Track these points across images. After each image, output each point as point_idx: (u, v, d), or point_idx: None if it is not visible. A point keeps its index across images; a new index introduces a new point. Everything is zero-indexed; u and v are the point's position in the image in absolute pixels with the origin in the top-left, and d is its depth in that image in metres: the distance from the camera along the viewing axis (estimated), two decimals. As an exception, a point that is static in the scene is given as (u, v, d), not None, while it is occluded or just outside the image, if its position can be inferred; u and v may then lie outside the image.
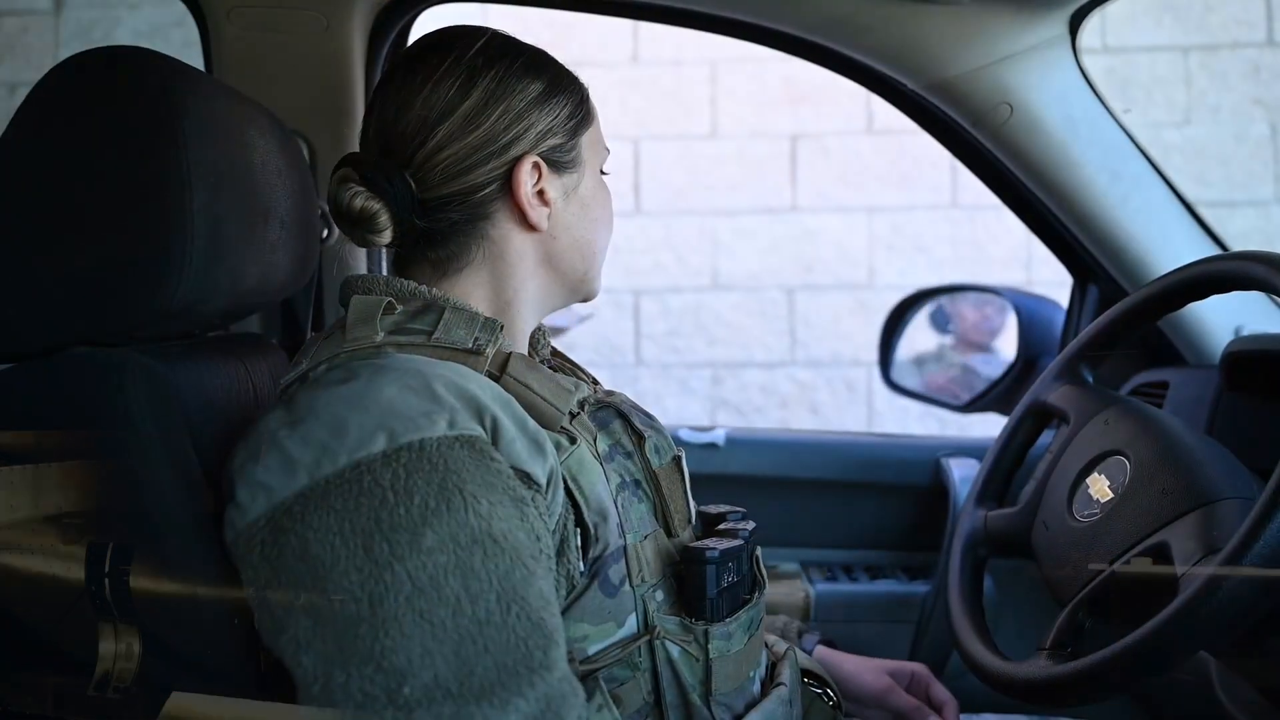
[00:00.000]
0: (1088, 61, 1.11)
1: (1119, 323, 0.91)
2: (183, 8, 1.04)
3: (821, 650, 0.91)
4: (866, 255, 2.90)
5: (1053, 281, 2.13)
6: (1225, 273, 0.81)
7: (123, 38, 2.74)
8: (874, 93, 1.17)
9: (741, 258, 2.89)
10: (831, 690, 0.85)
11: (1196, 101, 2.79)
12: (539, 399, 0.67)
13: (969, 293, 1.58)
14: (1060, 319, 1.35)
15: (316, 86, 1.06)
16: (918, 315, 1.53)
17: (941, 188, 2.84)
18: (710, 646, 0.69)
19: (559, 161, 0.73)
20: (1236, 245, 1.09)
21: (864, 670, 0.89)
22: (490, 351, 0.67)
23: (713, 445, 1.36)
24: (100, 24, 2.80)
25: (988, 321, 1.55)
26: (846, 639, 1.25)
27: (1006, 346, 1.46)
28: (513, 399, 0.65)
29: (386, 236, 0.69)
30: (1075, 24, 1.08)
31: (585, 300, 0.79)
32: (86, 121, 0.63)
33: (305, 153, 1.09)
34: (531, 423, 0.64)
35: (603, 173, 0.78)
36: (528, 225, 0.72)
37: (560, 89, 0.73)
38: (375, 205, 0.68)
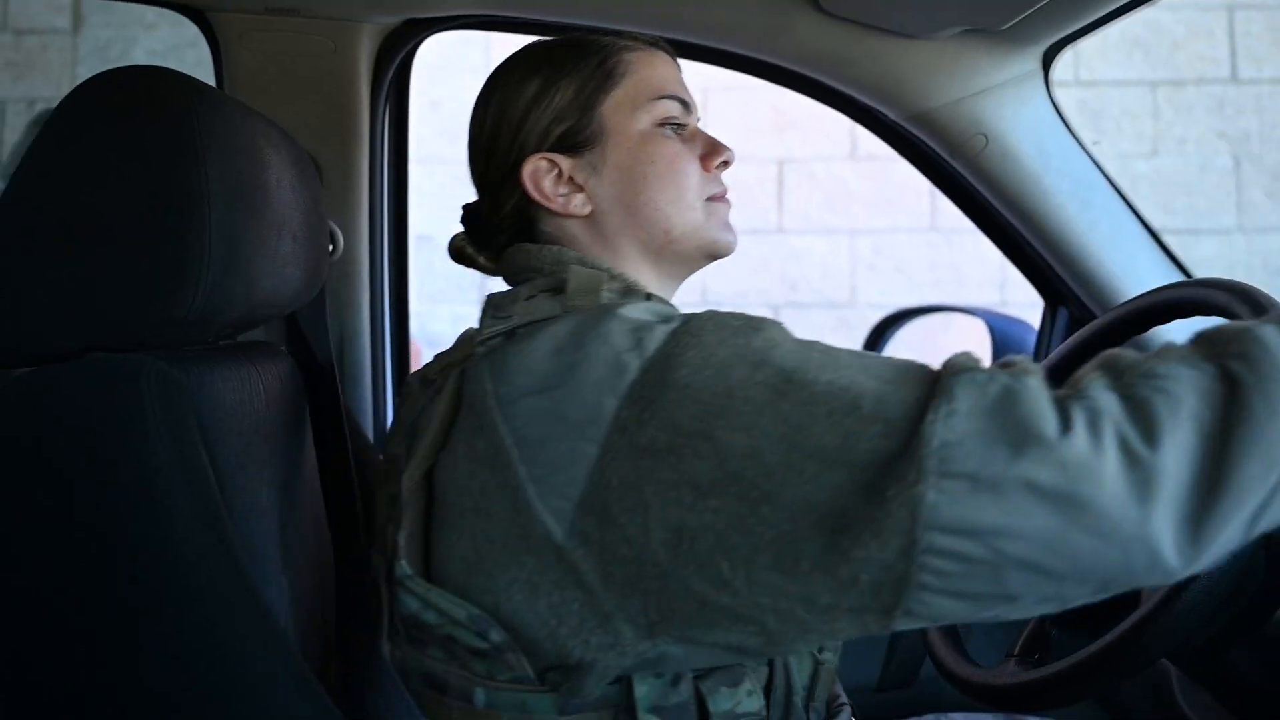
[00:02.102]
0: (1060, 94, 1.15)
1: (1087, 344, 0.93)
2: (196, 29, 1.06)
3: None
4: (849, 275, 2.94)
5: (1025, 303, 2.17)
6: (1187, 299, 0.83)
7: (139, 56, 2.75)
8: (857, 122, 1.20)
9: (730, 276, 2.92)
10: None
11: (1164, 134, 2.87)
12: None
13: (946, 312, 1.62)
14: (1032, 339, 1.38)
15: (324, 108, 1.08)
16: (897, 333, 1.56)
17: (921, 212, 2.89)
18: (822, 655, 0.68)
19: (573, 144, 0.70)
20: (1199, 272, 1.12)
21: None
22: None
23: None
24: (117, 43, 2.81)
25: (963, 340, 1.59)
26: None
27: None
28: None
29: (484, 262, 0.75)
30: (1048, 59, 1.12)
31: (711, 258, 0.73)
32: (110, 137, 0.64)
33: (312, 170, 1.11)
34: None
35: (674, 125, 0.71)
36: (570, 214, 0.70)
37: (562, 73, 0.70)
38: (460, 241, 0.75)
